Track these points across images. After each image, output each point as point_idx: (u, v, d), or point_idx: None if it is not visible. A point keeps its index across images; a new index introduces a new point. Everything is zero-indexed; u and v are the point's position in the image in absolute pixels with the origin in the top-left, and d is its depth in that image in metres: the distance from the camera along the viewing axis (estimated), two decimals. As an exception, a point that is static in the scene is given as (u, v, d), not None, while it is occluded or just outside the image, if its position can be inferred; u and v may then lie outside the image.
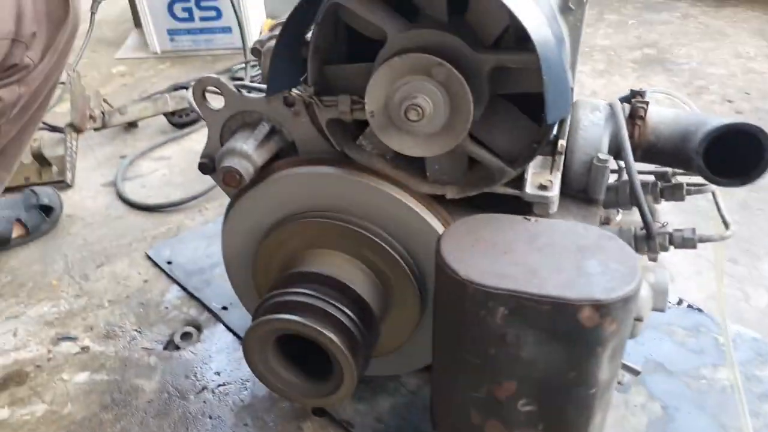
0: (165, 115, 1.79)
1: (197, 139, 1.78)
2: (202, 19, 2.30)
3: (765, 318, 1.12)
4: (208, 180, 1.51)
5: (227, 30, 2.32)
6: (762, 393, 0.96)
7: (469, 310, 0.61)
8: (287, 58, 0.73)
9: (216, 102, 0.86)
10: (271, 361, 0.80)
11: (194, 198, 1.49)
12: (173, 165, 1.68)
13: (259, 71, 2.07)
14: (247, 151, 0.80)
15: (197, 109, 0.86)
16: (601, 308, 0.57)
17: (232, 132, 0.85)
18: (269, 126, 0.83)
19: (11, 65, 0.88)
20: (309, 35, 0.74)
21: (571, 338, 0.60)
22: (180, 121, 1.81)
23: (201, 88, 0.84)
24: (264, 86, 0.83)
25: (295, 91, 0.78)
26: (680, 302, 1.13)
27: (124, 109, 1.72)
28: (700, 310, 1.12)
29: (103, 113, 1.67)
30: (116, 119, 1.71)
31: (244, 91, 0.84)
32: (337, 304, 0.76)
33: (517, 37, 0.68)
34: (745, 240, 1.31)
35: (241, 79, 2.07)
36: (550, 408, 0.66)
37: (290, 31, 0.70)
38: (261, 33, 2.36)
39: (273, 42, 0.84)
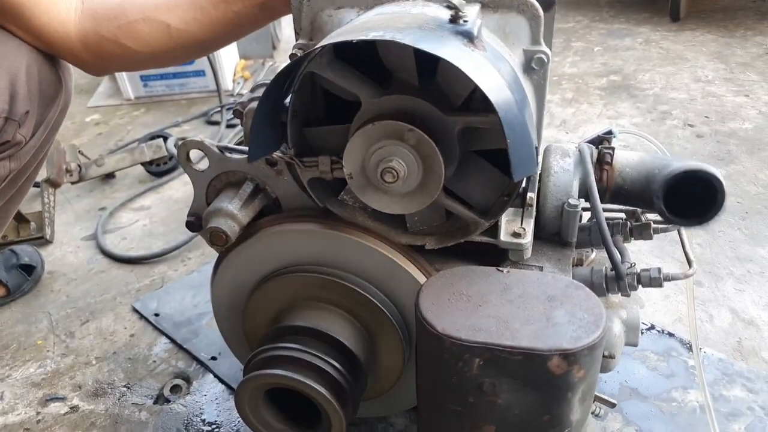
0: (142, 164, 1.81)
1: (176, 187, 1.80)
2: (175, 64, 2.31)
3: (728, 337, 1.18)
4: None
5: (201, 74, 2.33)
6: (729, 412, 1.01)
7: (447, 361, 0.65)
8: (267, 125, 0.76)
9: (201, 163, 0.89)
10: (263, 412, 0.82)
11: (176, 248, 1.50)
12: (153, 215, 1.69)
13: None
14: (233, 211, 0.83)
15: (184, 169, 0.89)
16: (569, 357, 0.61)
17: (217, 191, 0.89)
18: (253, 185, 0.86)
19: (3, 142, 0.89)
20: (287, 100, 0.78)
21: (543, 385, 0.63)
22: (158, 170, 1.83)
23: (185, 151, 0.88)
24: (245, 149, 0.87)
25: (276, 154, 0.81)
26: (652, 327, 1.18)
27: (100, 160, 1.73)
28: (670, 334, 1.17)
29: (79, 166, 1.68)
30: (93, 171, 1.72)
31: (227, 153, 0.87)
32: (324, 357, 0.79)
33: (483, 98, 0.73)
34: (708, 262, 1.37)
35: (217, 122, 2.11)
36: (528, 449, 0.69)
37: (269, 101, 0.74)
38: (235, 75, 2.40)
39: (254, 104, 0.88)
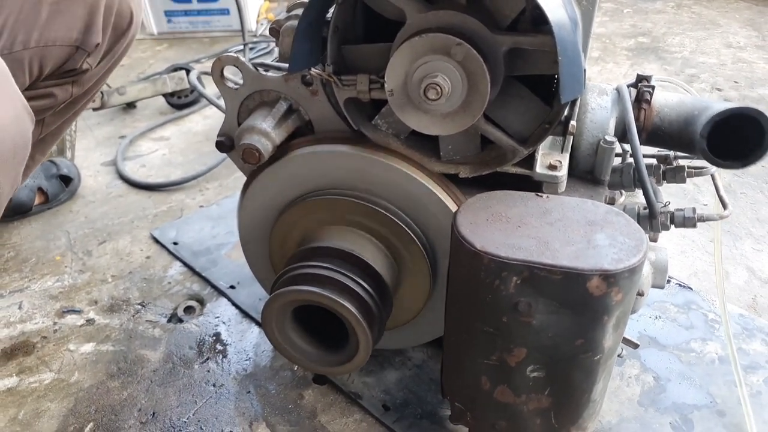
0: (164, 95, 1.81)
1: (196, 120, 1.79)
2: (200, 0, 2.29)
3: (743, 294, 1.19)
4: (207, 160, 1.55)
5: (225, 12, 2.31)
6: (748, 365, 1.01)
7: (483, 280, 0.64)
8: (309, 37, 0.75)
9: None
10: (289, 331, 0.82)
11: (195, 177, 1.51)
12: (172, 145, 1.69)
13: (257, 54, 2.09)
14: (266, 129, 0.82)
15: (217, 86, 0.88)
16: (609, 278, 0.60)
17: (250, 111, 0.87)
18: (287, 105, 0.84)
19: (71, 69, 0.92)
20: (329, 15, 0.76)
21: (580, 306, 0.63)
22: (179, 102, 1.82)
23: (220, 67, 0.86)
24: (282, 65, 0.86)
25: (313, 71, 0.79)
26: (668, 281, 1.17)
27: (123, 89, 1.73)
28: (690, 288, 1.17)
29: (102, 93, 1.68)
30: (115, 99, 1.72)
31: (262, 70, 0.86)
32: (353, 277, 0.78)
33: (533, 19, 0.71)
34: (728, 222, 1.37)
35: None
36: (557, 374, 0.69)
37: (314, 11, 0.72)
38: (259, 16, 2.37)
39: (291, 22, 0.86)
